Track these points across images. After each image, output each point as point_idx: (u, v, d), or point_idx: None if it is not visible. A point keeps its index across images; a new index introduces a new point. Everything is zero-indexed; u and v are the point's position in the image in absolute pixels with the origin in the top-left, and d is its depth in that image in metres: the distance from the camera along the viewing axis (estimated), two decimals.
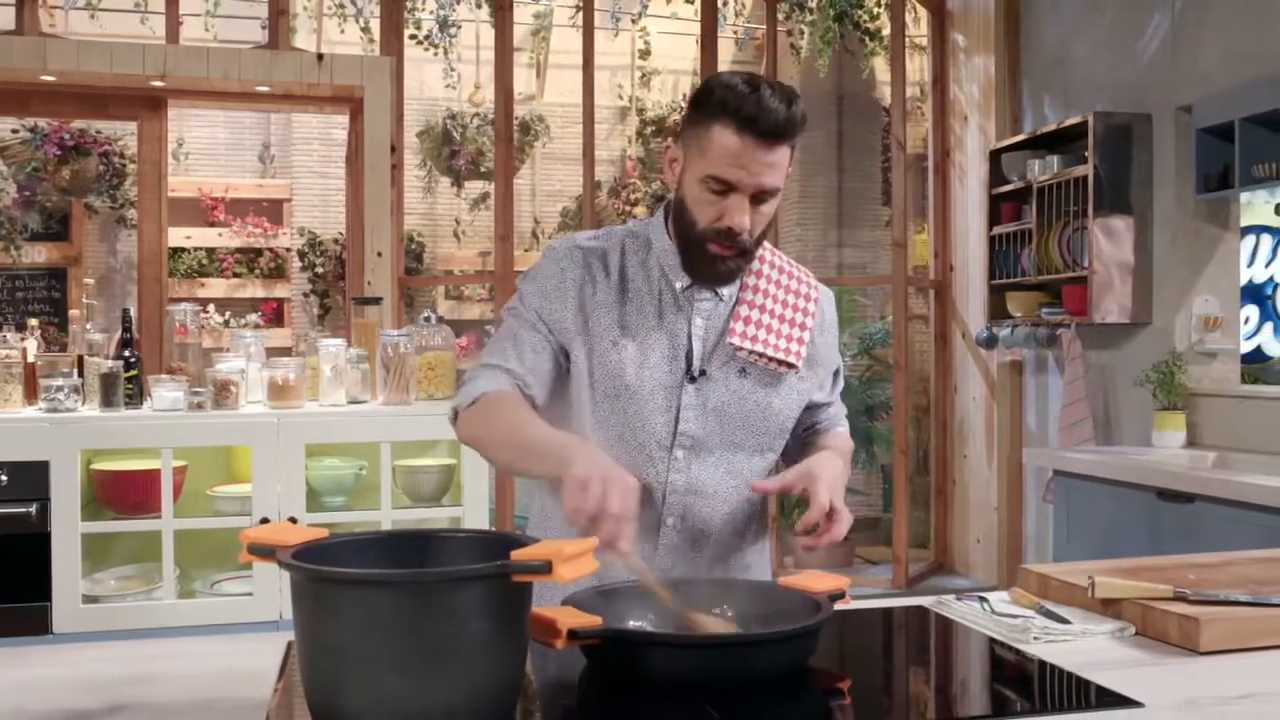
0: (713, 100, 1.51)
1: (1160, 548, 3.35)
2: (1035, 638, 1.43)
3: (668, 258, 1.63)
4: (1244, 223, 4.76)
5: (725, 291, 1.64)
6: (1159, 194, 4.32)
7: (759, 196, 1.53)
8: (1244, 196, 3.97)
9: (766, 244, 1.69)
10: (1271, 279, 5.22)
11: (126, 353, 3.27)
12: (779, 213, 6.46)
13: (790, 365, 1.65)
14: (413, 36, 5.92)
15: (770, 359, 1.63)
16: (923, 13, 6.13)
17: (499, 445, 1.59)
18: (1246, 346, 5.05)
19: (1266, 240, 5.21)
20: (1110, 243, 4.32)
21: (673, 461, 1.61)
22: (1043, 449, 4.82)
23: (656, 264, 1.64)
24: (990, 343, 5.17)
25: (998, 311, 5.05)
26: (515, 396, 1.59)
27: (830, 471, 1.56)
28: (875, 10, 6.37)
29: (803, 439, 1.77)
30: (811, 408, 1.74)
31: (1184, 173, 4.17)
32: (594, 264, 1.64)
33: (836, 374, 1.79)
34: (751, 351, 1.62)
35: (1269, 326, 5.22)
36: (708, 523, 1.64)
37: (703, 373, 1.61)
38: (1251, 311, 5.19)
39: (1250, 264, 5.18)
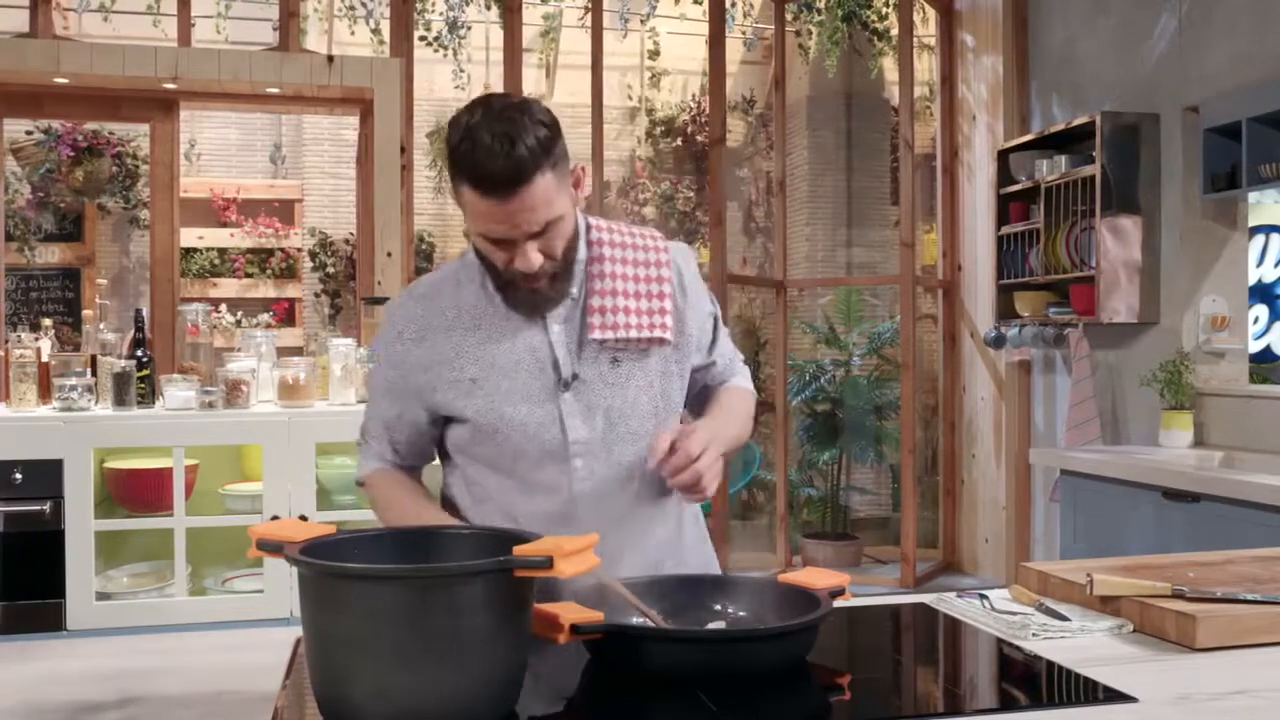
0: (451, 166, 1.45)
1: (1167, 547, 3.35)
2: (1034, 634, 1.44)
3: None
4: (1253, 222, 4.76)
5: (575, 288, 1.58)
6: (1166, 194, 4.32)
7: (537, 234, 1.46)
8: (1253, 196, 3.97)
9: (599, 221, 1.64)
10: None
11: (139, 352, 3.29)
12: (787, 211, 6.47)
13: (661, 341, 1.60)
14: (422, 38, 5.95)
15: (637, 340, 1.58)
16: (931, 12, 6.14)
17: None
18: (1256, 346, 5.05)
19: (1276, 240, 5.20)
20: (1118, 242, 4.33)
21: (574, 472, 1.57)
22: (1050, 448, 4.83)
23: (494, 286, 1.57)
24: (998, 342, 5.17)
25: (1005, 311, 5.05)
26: (390, 479, 1.67)
27: (705, 428, 1.54)
28: (883, 10, 6.38)
29: (700, 399, 1.74)
30: (697, 370, 1.70)
31: (1191, 172, 4.17)
32: (428, 312, 1.60)
33: (715, 328, 1.73)
34: (616, 340, 1.57)
35: (1278, 326, 5.21)
36: (629, 521, 1.61)
37: (575, 376, 1.57)
38: (1261, 311, 5.18)
39: (1259, 263, 5.18)
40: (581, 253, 1.59)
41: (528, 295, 1.53)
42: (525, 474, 1.58)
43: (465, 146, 1.40)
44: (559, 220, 1.47)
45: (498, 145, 1.38)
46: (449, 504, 1.71)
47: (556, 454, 1.57)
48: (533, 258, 1.47)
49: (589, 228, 1.61)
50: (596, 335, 1.57)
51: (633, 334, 1.58)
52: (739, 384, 1.77)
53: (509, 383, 1.56)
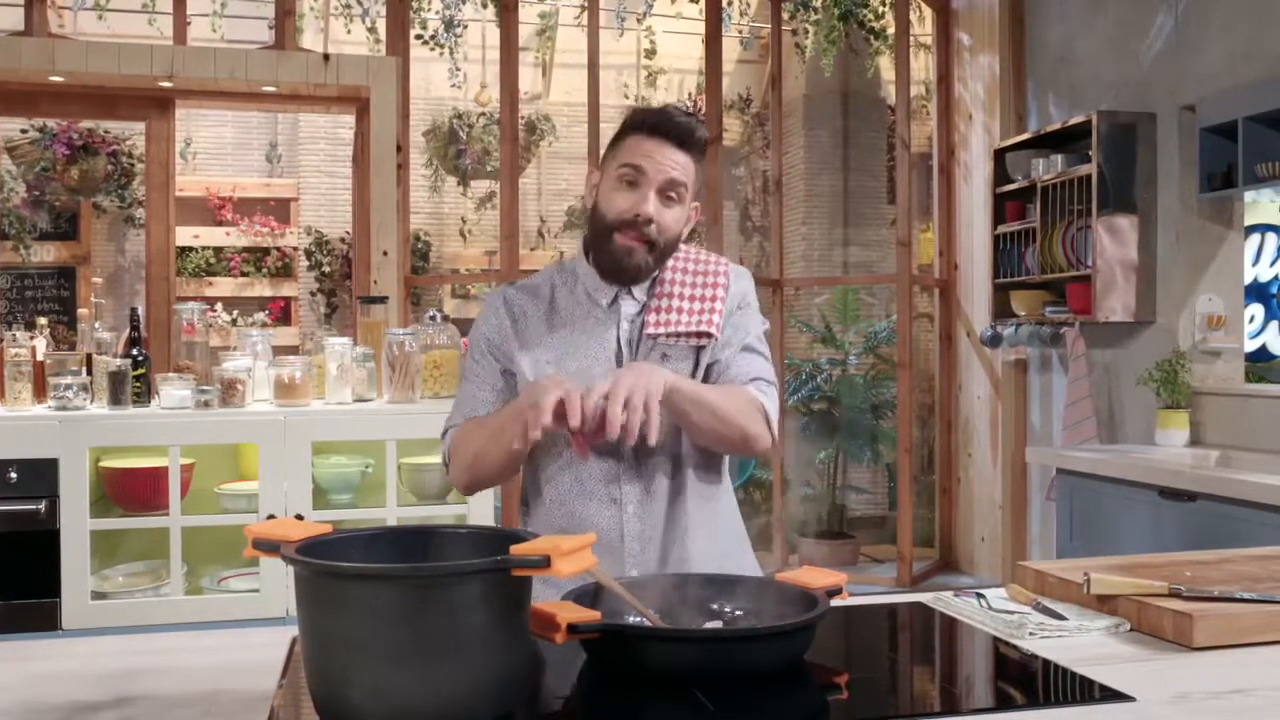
0: (626, 122, 1.75)
1: (1163, 546, 3.35)
2: (1031, 633, 1.44)
3: (591, 279, 1.78)
4: (1249, 222, 4.76)
5: (641, 295, 1.78)
6: (1163, 193, 4.33)
7: (665, 194, 1.70)
8: (1249, 195, 3.97)
9: (690, 247, 1.85)
10: (1277, 278, 5.21)
11: (134, 351, 3.29)
12: (784, 210, 6.47)
13: (708, 335, 1.76)
14: (419, 36, 5.95)
15: (686, 334, 1.76)
16: (927, 11, 6.14)
17: (481, 452, 1.72)
18: (1252, 345, 5.05)
19: (1272, 239, 5.20)
20: (1114, 241, 4.33)
21: (624, 452, 1.71)
22: (1046, 447, 4.83)
23: (582, 288, 1.80)
24: (994, 341, 5.18)
25: (1002, 310, 5.05)
26: (466, 424, 1.78)
27: (634, 372, 1.55)
28: (880, 9, 6.38)
29: None
30: (712, 363, 1.78)
31: (1188, 171, 4.17)
32: (523, 301, 1.82)
33: (753, 343, 1.81)
34: (667, 335, 1.75)
35: (1274, 325, 5.21)
36: (668, 504, 1.74)
37: None
38: (1256, 310, 5.18)
39: (1255, 263, 5.18)
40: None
41: (624, 255, 1.71)
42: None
43: (653, 110, 1.74)
44: (680, 203, 1.73)
45: (683, 117, 1.73)
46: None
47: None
48: (652, 206, 1.69)
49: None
50: (650, 330, 1.75)
51: (682, 328, 1.75)
52: (743, 387, 1.77)
53: (575, 366, 1.74)
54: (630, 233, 1.70)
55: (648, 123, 1.71)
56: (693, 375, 1.75)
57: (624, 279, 1.75)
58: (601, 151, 1.86)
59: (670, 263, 1.80)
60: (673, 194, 1.70)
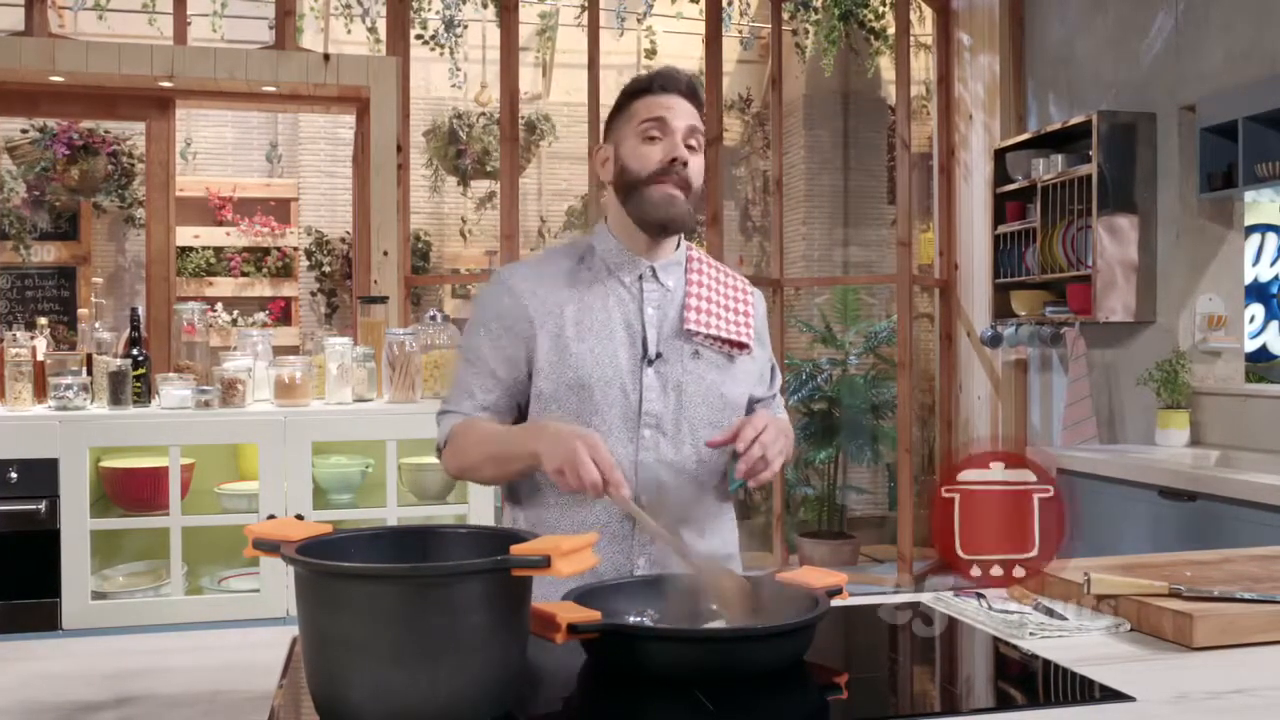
0: (630, 89, 1.78)
1: (1163, 546, 3.35)
2: (1031, 633, 1.44)
3: (612, 256, 1.77)
4: (1249, 222, 4.77)
5: (671, 282, 1.78)
6: (1163, 193, 4.33)
7: (688, 142, 1.73)
8: (1249, 195, 3.97)
9: (700, 249, 1.87)
10: (1277, 278, 5.21)
11: (135, 351, 3.29)
12: (784, 210, 6.45)
13: (743, 345, 1.79)
14: (419, 36, 5.95)
15: (724, 340, 1.77)
16: (928, 11, 6.14)
17: (480, 467, 1.75)
18: (1252, 345, 5.05)
19: (1272, 239, 5.21)
20: (1114, 241, 4.33)
21: (641, 440, 1.72)
22: (1047, 447, 4.83)
23: (602, 264, 1.78)
24: (995, 341, 5.18)
25: (1002, 310, 5.05)
26: (476, 420, 1.76)
27: (762, 417, 1.69)
28: (880, 9, 6.38)
29: None
30: (753, 402, 1.88)
31: (1188, 171, 4.17)
32: (538, 274, 1.78)
33: (773, 370, 1.94)
34: (707, 335, 1.76)
35: (1274, 325, 5.22)
36: (678, 495, 1.73)
37: (659, 355, 1.74)
38: (1257, 310, 5.19)
39: (1255, 263, 5.18)
40: (681, 256, 1.81)
41: (667, 204, 1.71)
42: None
43: (652, 73, 1.77)
44: (699, 153, 1.75)
45: (681, 74, 1.78)
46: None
47: (630, 421, 1.72)
48: (684, 150, 1.71)
49: (688, 245, 1.85)
50: (691, 326, 1.75)
51: (721, 333, 1.77)
52: (783, 417, 1.93)
53: (602, 347, 1.72)
54: (667, 180, 1.71)
55: (656, 83, 1.74)
56: (723, 379, 1.76)
57: (670, 229, 1.74)
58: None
59: (703, 266, 1.82)
60: (693, 141, 1.73)
